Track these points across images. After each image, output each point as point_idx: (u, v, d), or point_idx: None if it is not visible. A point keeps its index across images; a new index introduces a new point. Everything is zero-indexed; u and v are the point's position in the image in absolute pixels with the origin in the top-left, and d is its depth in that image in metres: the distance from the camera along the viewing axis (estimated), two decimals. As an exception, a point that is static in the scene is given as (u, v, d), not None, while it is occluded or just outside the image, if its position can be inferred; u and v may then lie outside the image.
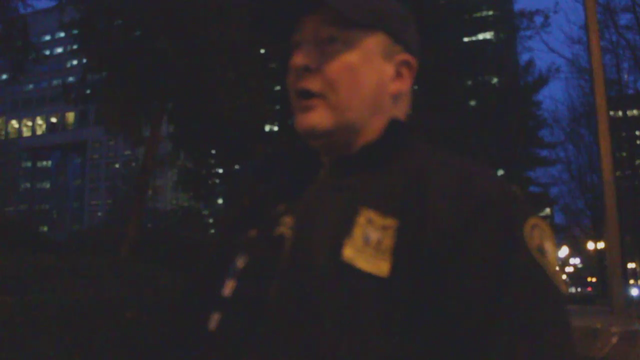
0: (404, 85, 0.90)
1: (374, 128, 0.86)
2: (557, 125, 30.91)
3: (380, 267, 0.73)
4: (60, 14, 12.19)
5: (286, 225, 0.83)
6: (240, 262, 0.85)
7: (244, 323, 0.78)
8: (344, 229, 0.77)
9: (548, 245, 0.75)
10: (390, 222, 0.76)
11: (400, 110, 0.90)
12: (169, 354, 0.89)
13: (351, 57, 0.84)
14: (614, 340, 7.95)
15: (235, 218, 0.95)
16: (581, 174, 33.29)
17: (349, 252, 0.75)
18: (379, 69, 0.86)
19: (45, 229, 66.85)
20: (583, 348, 6.52)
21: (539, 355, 0.68)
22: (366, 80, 0.85)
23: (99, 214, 69.16)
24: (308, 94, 0.84)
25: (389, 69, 0.88)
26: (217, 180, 19.86)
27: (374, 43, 0.86)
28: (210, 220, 47.86)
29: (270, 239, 0.84)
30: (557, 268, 0.75)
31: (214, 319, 0.82)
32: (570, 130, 31.93)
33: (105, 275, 4.09)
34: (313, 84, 0.84)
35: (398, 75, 0.89)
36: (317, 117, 0.83)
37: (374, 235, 0.75)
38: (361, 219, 0.77)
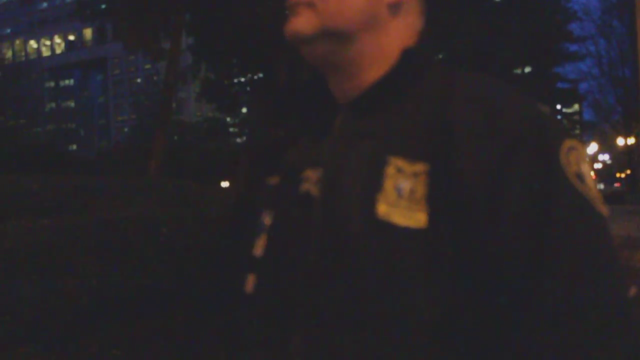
0: None
1: (372, 45, 0.81)
2: (588, 18, 30.01)
3: (416, 218, 0.70)
4: None
5: (310, 181, 0.80)
6: (267, 219, 0.84)
7: (279, 285, 0.79)
8: (375, 184, 0.74)
9: (585, 168, 0.71)
10: (420, 167, 0.72)
11: (404, 24, 0.84)
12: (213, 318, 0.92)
13: None
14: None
15: (252, 166, 0.93)
16: (612, 69, 32.35)
17: (383, 208, 0.72)
18: None
19: (75, 147, 68.13)
20: (623, 259, 6.50)
21: (591, 288, 0.66)
22: None
23: (125, 129, 69.96)
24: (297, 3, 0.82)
25: None
26: (241, 89, 19.76)
27: None
28: (235, 129, 48.23)
29: (296, 197, 0.81)
30: (596, 190, 0.72)
31: (250, 281, 0.83)
32: (602, 23, 30.80)
33: (135, 194, 4.15)
34: None
35: None
36: (301, 22, 0.80)
37: (406, 184, 0.72)
38: (390, 170, 0.73)
